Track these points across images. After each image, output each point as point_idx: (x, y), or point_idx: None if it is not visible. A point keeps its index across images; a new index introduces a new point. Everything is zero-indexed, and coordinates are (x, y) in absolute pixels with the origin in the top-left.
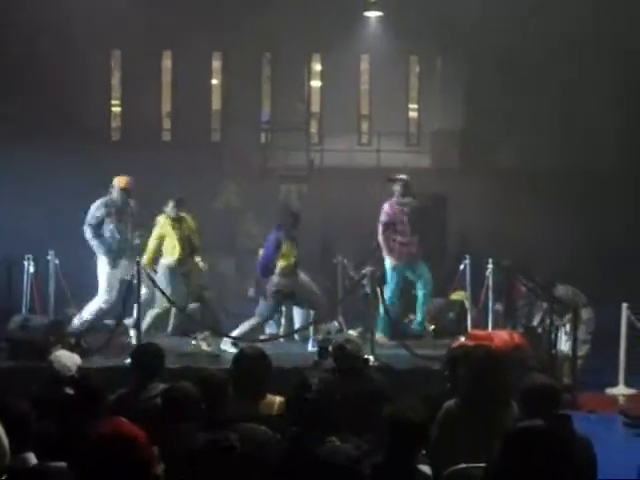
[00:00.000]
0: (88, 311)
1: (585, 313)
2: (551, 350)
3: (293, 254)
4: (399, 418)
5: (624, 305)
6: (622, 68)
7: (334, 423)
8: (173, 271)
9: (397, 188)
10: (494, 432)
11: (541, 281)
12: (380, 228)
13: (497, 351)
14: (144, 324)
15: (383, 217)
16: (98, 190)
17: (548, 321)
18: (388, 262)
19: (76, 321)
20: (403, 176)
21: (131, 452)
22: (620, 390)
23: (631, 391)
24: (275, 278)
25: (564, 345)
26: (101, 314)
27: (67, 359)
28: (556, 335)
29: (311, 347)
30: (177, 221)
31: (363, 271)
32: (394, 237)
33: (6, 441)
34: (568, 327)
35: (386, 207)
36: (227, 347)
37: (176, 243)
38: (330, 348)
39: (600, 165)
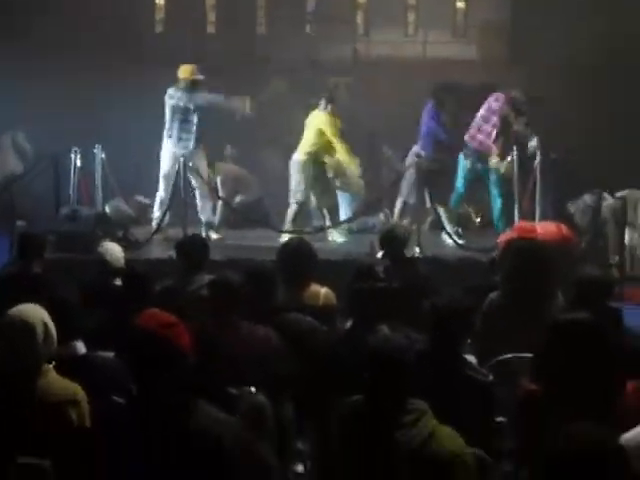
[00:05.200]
0: None
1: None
2: (598, 241)
3: None
4: (442, 307)
5: None
6: None
7: (388, 312)
8: None
9: None
10: (539, 323)
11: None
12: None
13: (542, 242)
14: None
15: None
16: (142, 82)
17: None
18: None
19: None
20: None
21: (163, 343)
22: None
23: None
24: None
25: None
26: None
27: (117, 251)
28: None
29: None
30: None
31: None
32: None
33: (54, 329)
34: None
35: None
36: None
37: None
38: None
39: None
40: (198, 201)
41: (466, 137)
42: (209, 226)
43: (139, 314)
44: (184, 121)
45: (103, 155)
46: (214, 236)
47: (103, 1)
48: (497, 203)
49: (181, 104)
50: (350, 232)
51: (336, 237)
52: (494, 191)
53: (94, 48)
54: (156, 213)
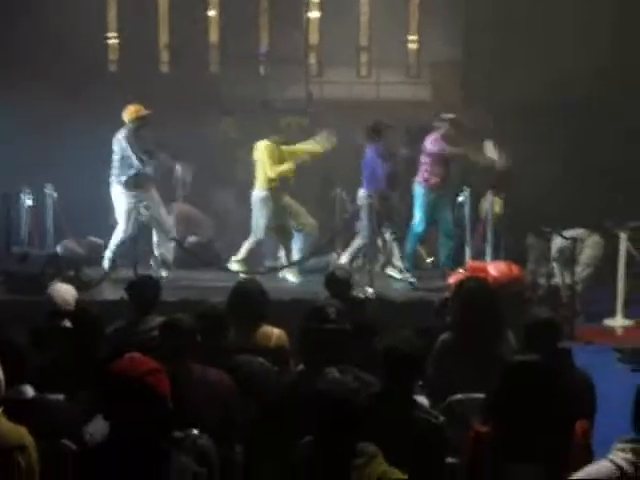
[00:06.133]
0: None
1: (590, 240)
2: (549, 282)
3: None
4: (393, 349)
5: (622, 235)
6: None
7: (338, 353)
8: None
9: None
10: (489, 363)
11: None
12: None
13: (491, 282)
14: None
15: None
16: (95, 122)
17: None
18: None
19: None
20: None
21: (149, 390)
22: (618, 322)
23: (629, 322)
24: None
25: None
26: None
27: (67, 292)
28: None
29: None
30: None
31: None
32: None
33: (1, 373)
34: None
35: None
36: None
37: None
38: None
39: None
40: (154, 236)
41: (418, 179)
42: (163, 263)
43: (119, 359)
44: (132, 164)
45: (55, 194)
46: (164, 274)
47: (56, 41)
48: (448, 242)
49: (125, 146)
50: (303, 272)
51: (289, 277)
52: (446, 229)
53: (46, 85)
54: (107, 253)
